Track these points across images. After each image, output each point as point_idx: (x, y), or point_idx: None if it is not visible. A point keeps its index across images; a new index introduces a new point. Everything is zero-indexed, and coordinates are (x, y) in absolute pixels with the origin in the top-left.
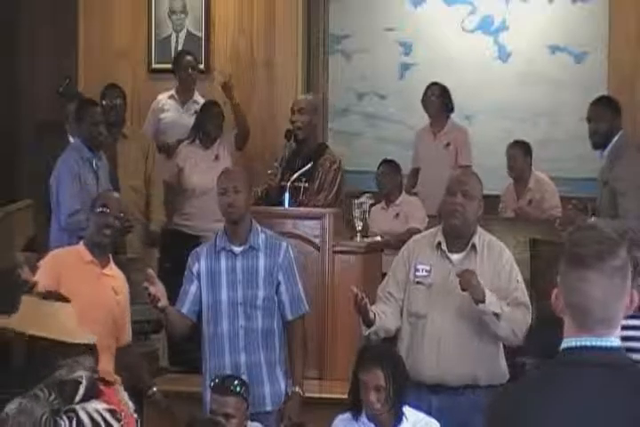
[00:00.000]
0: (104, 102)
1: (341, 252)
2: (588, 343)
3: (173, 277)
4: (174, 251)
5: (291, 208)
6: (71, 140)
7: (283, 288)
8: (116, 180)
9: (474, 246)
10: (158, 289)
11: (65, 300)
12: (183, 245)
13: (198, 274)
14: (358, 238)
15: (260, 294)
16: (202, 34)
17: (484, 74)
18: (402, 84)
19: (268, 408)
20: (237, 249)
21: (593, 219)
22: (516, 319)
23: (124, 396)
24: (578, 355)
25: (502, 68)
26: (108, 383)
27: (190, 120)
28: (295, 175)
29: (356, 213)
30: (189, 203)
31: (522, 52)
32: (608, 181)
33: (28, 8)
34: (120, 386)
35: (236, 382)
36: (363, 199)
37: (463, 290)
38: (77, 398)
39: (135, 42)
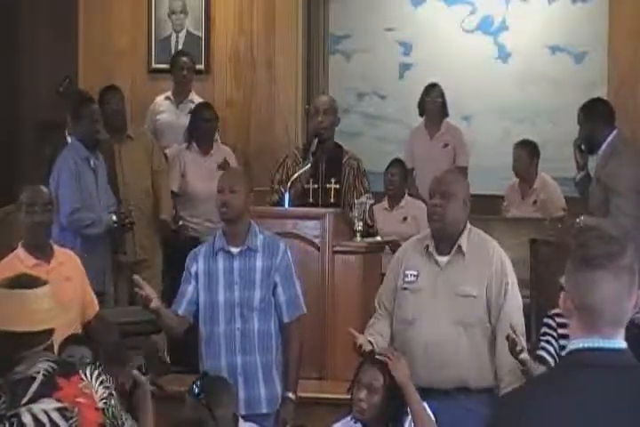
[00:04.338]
0: (106, 106)
1: (341, 252)
2: (597, 345)
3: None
4: (180, 255)
5: (291, 208)
6: (68, 137)
7: (280, 290)
8: (114, 178)
9: (460, 248)
10: (148, 292)
11: (36, 284)
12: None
13: (196, 274)
14: (358, 238)
15: (257, 295)
16: (202, 34)
17: (483, 74)
18: (402, 84)
19: (264, 411)
20: (235, 250)
21: (583, 217)
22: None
23: (92, 382)
24: (586, 357)
25: (502, 68)
26: (70, 372)
27: (186, 120)
28: (295, 175)
29: (356, 213)
30: (194, 207)
31: (522, 52)
32: (600, 177)
33: (28, 8)
34: (92, 369)
35: (196, 388)
36: (363, 199)
37: None
38: (26, 398)
39: (135, 42)
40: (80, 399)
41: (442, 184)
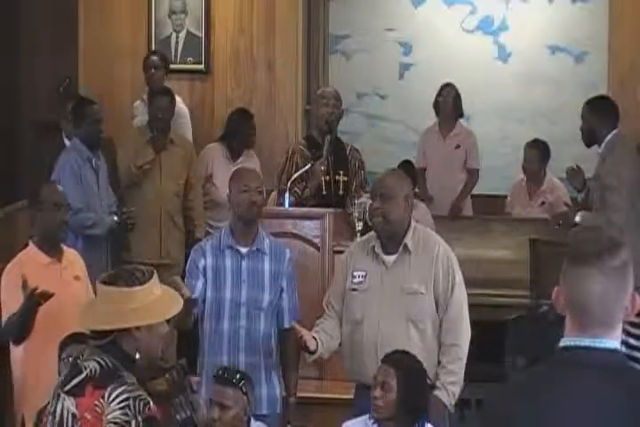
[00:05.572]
0: (151, 109)
1: (341, 252)
2: (584, 344)
3: None
4: None
5: (291, 208)
6: (65, 139)
7: (284, 295)
8: (115, 179)
9: (406, 247)
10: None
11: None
12: None
13: (204, 269)
14: (358, 238)
15: (266, 297)
16: (202, 34)
17: (483, 74)
18: (402, 84)
19: (265, 411)
20: (244, 249)
21: (580, 214)
22: (458, 354)
23: (112, 403)
24: (572, 355)
25: (502, 68)
26: (101, 384)
27: None
28: (296, 174)
29: (356, 213)
30: (218, 212)
31: (522, 52)
32: (599, 175)
33: (28, 8)
34: (122, 390)
35: (237, 374)
36: (363, 199)
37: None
38: (68, 386)
39: (135, 42)
40: (87, 415)
41: (380, 187)
